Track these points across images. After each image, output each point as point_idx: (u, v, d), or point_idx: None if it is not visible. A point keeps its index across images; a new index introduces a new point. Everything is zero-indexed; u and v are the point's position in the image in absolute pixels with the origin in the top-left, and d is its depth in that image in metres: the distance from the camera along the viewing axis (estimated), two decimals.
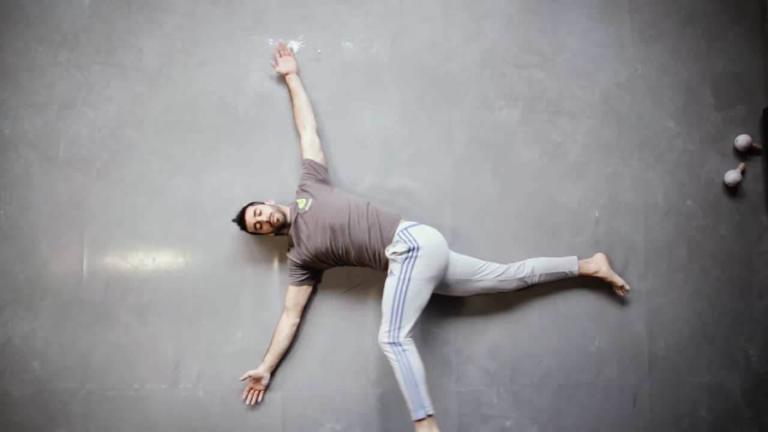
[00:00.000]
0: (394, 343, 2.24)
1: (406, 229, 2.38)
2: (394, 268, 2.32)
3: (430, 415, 2.21)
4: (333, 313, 2.62)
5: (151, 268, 2.64)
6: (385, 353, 2.26)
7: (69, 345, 2.61)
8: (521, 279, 2.50)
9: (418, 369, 2.23)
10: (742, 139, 2.66)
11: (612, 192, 2.67)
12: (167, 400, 2.59)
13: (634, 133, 2.71)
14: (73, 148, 2.67)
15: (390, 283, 2.30)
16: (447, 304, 2.61)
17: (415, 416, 2.21)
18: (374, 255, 2.38)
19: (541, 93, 2.72)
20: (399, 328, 2.25)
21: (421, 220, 2.55)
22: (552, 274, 2.54)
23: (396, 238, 2.35)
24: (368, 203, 2.44)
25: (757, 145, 2.69)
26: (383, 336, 2.27)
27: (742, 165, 2.68)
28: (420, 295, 2.29)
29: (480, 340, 2.62)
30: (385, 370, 2.59)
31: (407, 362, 2.22)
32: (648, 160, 2.70)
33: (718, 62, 2.74)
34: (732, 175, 2.65)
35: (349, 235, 2.37)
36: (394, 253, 2.32)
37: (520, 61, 2.73)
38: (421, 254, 2.31)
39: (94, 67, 2.70)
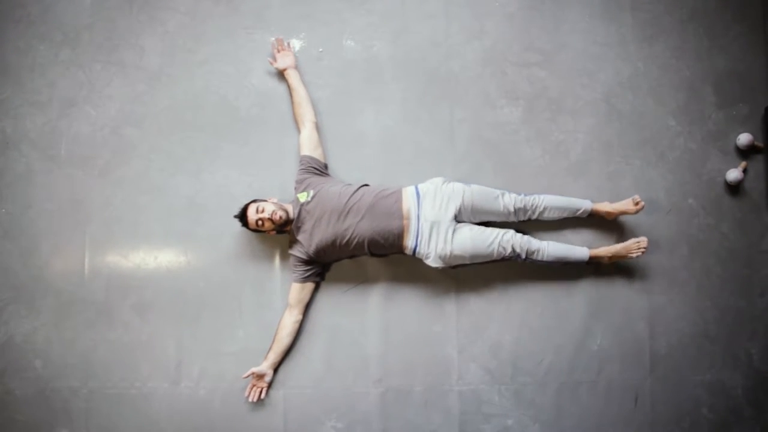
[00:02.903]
0: (526, 257, 2.49)
1: (416, 189, 2.47)
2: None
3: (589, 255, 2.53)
4: (336, 311, 2.62)
5: (152, 267, 2.64)
6: (532, 263, 2.52)
7: (71, 343, 2.61)
8: (532, 210, 2.53)
9: (554, 247, 2.50)
10: (744, 138, 2.66)
11: (613, 190, 2.67)
12: (169, 399, 2.59)
13: (636, 132, 2.71)
14: (75, 147, 2.67)
15: (478, 230, 2.46)
16: (449, 302, 2.61)
17: (587, 260, 2.53)
18: (385, 230, 2.38)
19: (542, 91, 2.71)
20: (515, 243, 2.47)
21: None
22: (563, 209, 2.56)
23: (423, 195, 2.44)
24: (370, 184, 2.51)
25: (759, 143, 2.69)
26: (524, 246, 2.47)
27: (743, 163, 2.68)
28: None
29: (481, 339, 2.62)
30: (387, 368, 2.60)
31: (545, 252, 2.49)
32: (649, 158, 2.70)
33: (719, 60, 2.74)
34: (734, 174, 2.65)
35: (356, 210, 2.38)
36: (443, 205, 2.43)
37: (521, 59, 2.73)
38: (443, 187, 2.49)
39: (96, 65, 2.70)
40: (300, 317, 2.55)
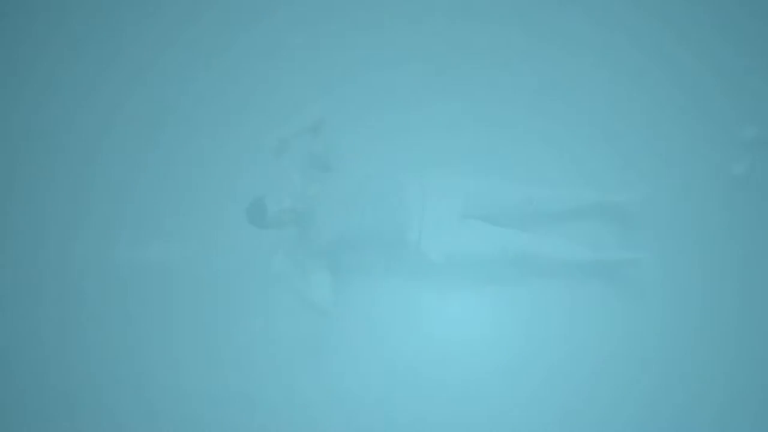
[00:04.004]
0: None
1: (420, 184, 2.46)
2: None
3: None
4: (338, 308, 2.61)
5: (154, 263, 2.66)
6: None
7: (72, 338, 2.63)
8: (535, 206, 2.51)
9: (555, 250, 2.49)
10: (751, 131, 2.64)
11: (616, 187, 2.65)
12: (171, 395, 2.60)
13: (641, 127, 2.69)
14: (78, 144, 2.69)
15: (482, 230, 2.44)
16: (451, 299, 2.61)
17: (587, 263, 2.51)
18: (387, 225, 2.39)
19: (544, 88, 2.71)
20: None
21: None
22: (566, 203, 2.54)
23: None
24: (374, 178, 2.48)
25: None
26: None
27: (750, 158, 2.66)
28: None
29: (483, 336, 2.61)
30: (389, 366, 2.60)
31: (547, 256, 2.49)
32: (654, 152, 2.68)
33: (728, 53, 2.72)
34: (741, 168, 2.63)
35: (360, 204, 2.38)
36: None
37: (524, 55, 2.73)
38: None
39: (98, 63, 2.72)
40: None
